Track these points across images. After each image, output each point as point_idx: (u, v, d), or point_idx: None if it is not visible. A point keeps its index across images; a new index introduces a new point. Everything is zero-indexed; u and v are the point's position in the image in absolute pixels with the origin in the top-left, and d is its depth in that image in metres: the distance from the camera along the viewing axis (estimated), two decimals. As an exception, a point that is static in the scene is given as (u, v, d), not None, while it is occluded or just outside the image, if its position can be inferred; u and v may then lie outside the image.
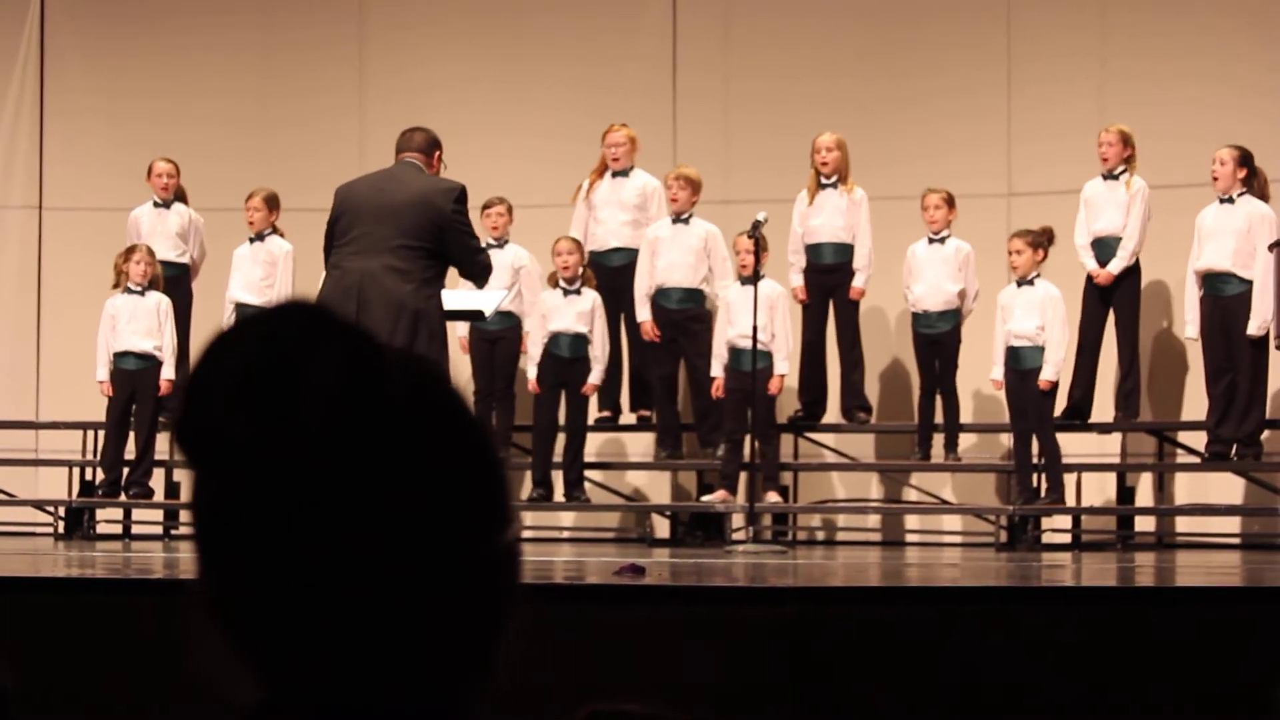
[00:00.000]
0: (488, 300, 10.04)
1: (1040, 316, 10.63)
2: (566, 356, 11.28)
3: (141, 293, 11.57)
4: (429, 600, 1.27)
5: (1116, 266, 10.82)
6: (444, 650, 1.28)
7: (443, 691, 1.29)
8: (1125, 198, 10.85)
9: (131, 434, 11.66)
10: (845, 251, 11.33)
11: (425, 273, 8.01)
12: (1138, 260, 10.87)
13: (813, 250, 11.36)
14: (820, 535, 12.00)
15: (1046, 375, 10.60)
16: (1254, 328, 10.36)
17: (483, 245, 8.47)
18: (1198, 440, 10.89)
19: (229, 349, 1.28)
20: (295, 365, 1.25)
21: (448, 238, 8.04)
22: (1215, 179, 10.56)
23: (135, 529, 12.03)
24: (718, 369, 11.10)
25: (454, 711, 1.29)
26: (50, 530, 12.02)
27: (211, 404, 1.26)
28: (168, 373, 11.58)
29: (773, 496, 11.13)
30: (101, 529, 11.91)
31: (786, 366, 11.00)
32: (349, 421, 1.25)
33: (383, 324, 7.76)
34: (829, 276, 11.34)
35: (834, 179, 11.31)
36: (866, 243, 11.28)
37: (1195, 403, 10.97)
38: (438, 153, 8.42)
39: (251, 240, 12.02)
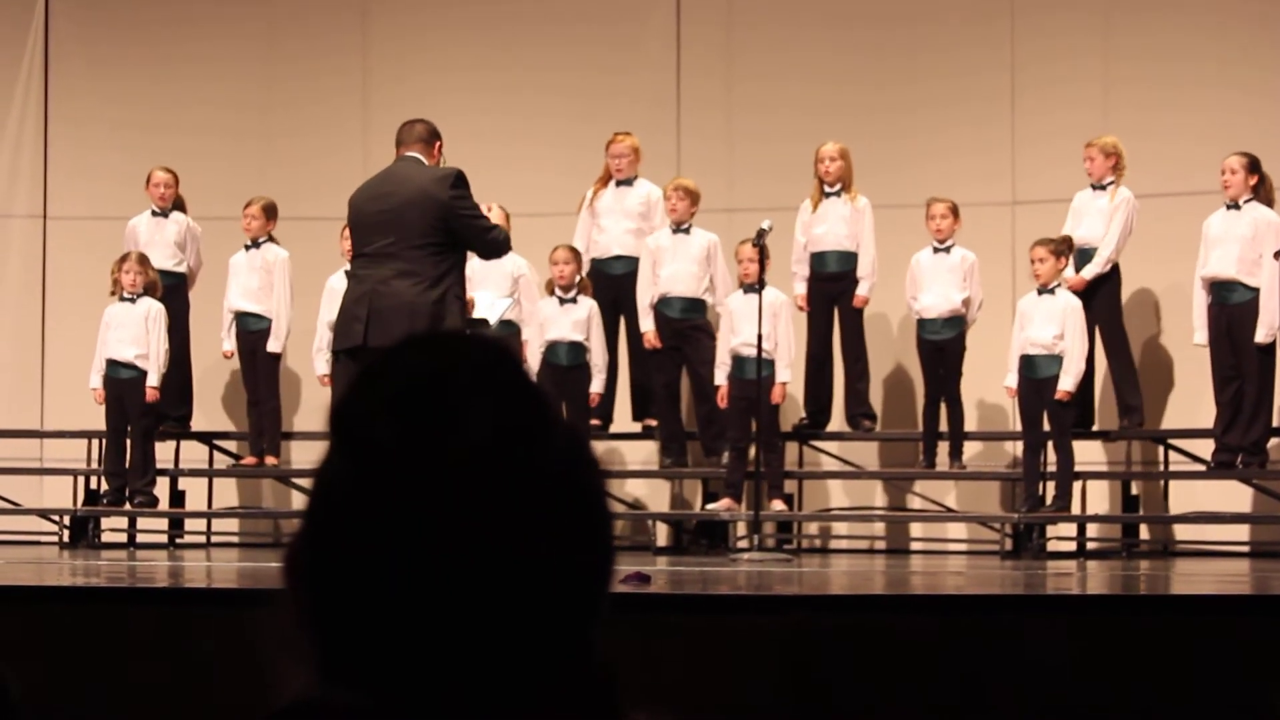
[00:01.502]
0: (492, 309, 10.04)
1: (1059, 326, 10.60)
2: (565, 365, 11.28)
3: (133, 300, 11.56)
4: (504, 639, 1.29)
5: (1089, 272, 10.82)
6: (508, 684, 1.30)
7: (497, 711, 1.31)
8: (1108, 207, 10.86)
9: (129, 443, 11.65)
10: (849, 260, 11.33)
11: (436, 270, 8.03)
12: (1116, 269, 10.88)
13: (817, 259, 11.36)
14: (824, 543, 11.99)
15: (1065, 386, 10.56)
16: (1262, 335, 10.35)
17: (491, 222, 8.42)
18: (1202, 448, 10.88)
19: (410, 357, 1.32)
20: (460, 401, 1.29)
21: (454, 225, 8.07)
22: (1226, 187, 10.55)
23: (140, 538, 12.02)
24: (721, 377, 11.10)
25: None
26: (55, 539, 12.01)
27: (371, 398, 1.30)
28: (151, 380, 11.55)
29: (777, 505, 11.12)
30: (106, 538, 11.90)
31: (789, 374, 10.99)
32: (488, 468, 1.28)
33: (398, 330, 7.76)
34: (833, 285, 11.34)
35: (837, 188, 11.32)
36: (870, 251, 11.27)
37: (1199, 410, 10.96)
38: (438, 143, 8.44)
39: (247, 247, 12.02)
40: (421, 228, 7.98)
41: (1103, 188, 10.91)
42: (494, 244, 8.34)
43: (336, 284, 10.88)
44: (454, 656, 1.28)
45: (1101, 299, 10.85)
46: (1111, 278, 10.88)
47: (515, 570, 1.28)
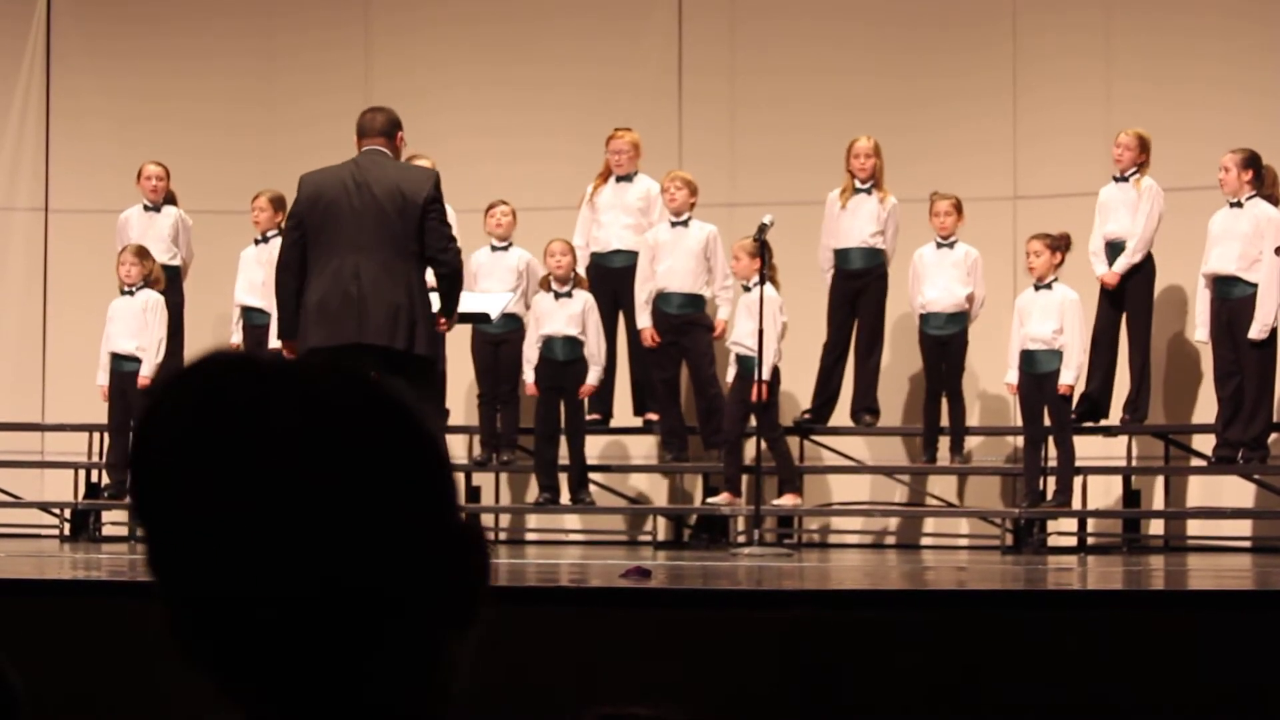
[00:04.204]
0: (493, 303, 10.01)
1: (1057, 320, 10.60)
2: (561, 359, 11.27)
3: (132, 293, 11.56)
4: (402, 597, 1.27)
5: (1120, 265, 10.79)
6: (421, 643, 1.29)
7: (422, 682, 1.29)
8: (1135, 199, 10.83)
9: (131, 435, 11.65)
10: (872, 257, 11.30)
11: (413, 271, 7.90)
12: (1150, 261, 10.83)
13: (840, 255, 11.35)
14: (825, 538, 11.99)
15: (1066, 380, 10.57)
16: (1255, 331, 10.35)
17: (454, 237, 8.14)
18: (1204, 443, 10.88)
19: (167, 409, 1.28)
20: (251, 411, 1.26)
21: (424, 225, 7.87)
22: (1222, 185, 10.55)
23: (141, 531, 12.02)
24: (730, 374, 11.12)
25: (433, 701, 1.30)
26: (56, 532, 12.02)
27: (157, 466, 1.27)
28: (144, 370, 11.53)
29: (789, 499, 11.15)
30: (107, 531, 11.91)
31: (766, 373, 10.92)
32: (300, 451, 1.26)
33: (384, 330, 7.71)
34: (854, 281, 11.32)
35: (869, 184, 11.29)
36: (893, 250, 11.29)
37: (1207, 406, 10.96)
38: (400, 134, 8.27)
39: (257, 242, 12.01)
40: (402, 228, 7.83)
41: (1125, 179, 10.88)
42: (452, 256, 7.99)
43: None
44: (349, 655, 1.26)
45: (1135, 293, 10.82)
46: (1145, 269, 10.83)
47: (372, 533, 1.26)
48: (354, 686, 1.27)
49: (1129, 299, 10.84)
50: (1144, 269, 10.85)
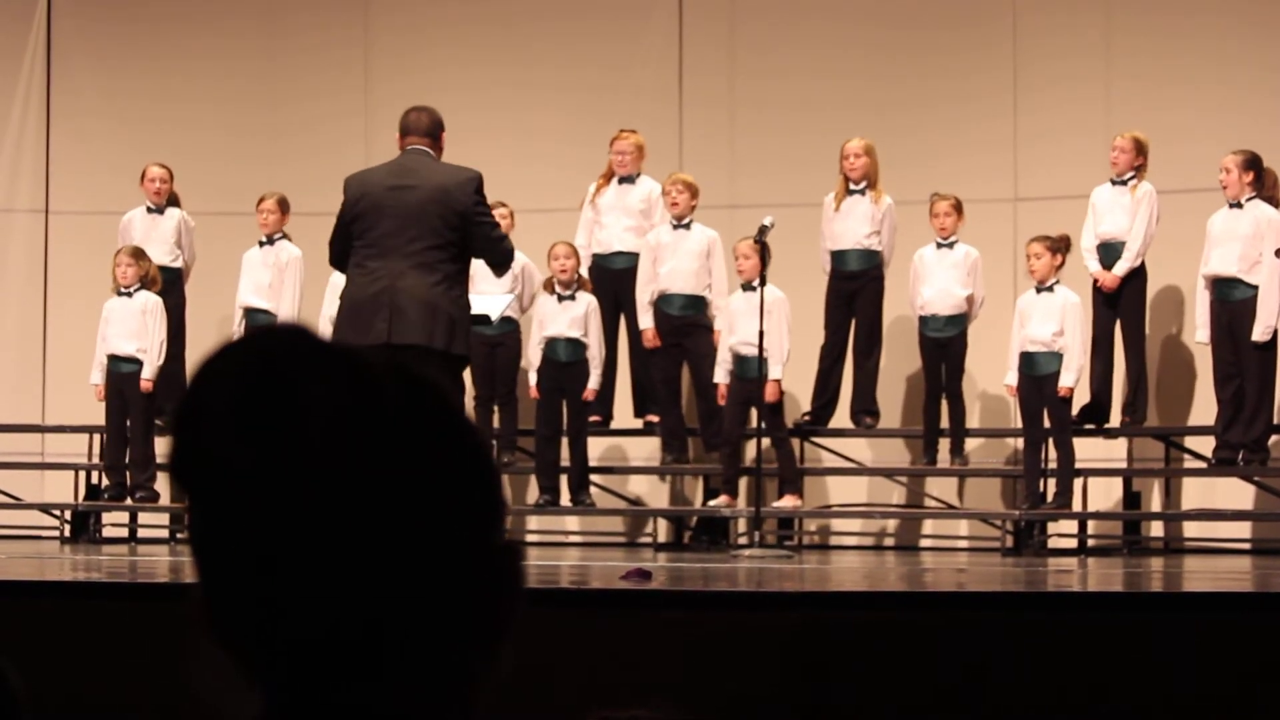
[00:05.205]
0: (493, 305, 9.99)
1: (1058, 322, 10.61)
2: (563, 361, 11.29)
3: (130, 294, 11.56)
4: (431, 604, 1.27)
5: (1121, 269, 10.80)
6: (446, 654, 1.28)
7: (444, 694, 1.29)
8: (1131, 202, 10.84)
9: (130, 437, 11.64)
10: (868, 259, 11.29)
11: (451, 269, 7.89)
12: (1143, 264, 10.84)
13: (836, 257, 11.34)
14: (825, 540, 11.99)
15: (1066, 382, 10.57)
16: (1258, 333, 10.35)
17: (504, 232, 8.32)
18: (1204, 445, 10.88)
19: (220, 377, 1.27)
20: (292, 388, 1.25)
21: (471, 231, 7.90)
22: (1224, 186, 10.55)
23: (141, 533, 12.03)
24: (721, 375, 11.10)
25: (455, 714, 1.29)
26: (56, 534, 12.02)
27: (207, 433, 1.25)
28: (146, 372, 11.52)
29: (790, 501, 11.15)
30: (107, 533, 11.91)
31: (780, 371, 10.94)
32: (349, 439, 1.25)
33: (419, 328, 7.69)
34: (851, 283, 11.32)
35: (862, 185, 11.28)
36: (890, 251, 11.28)
37: (1204, 408, 10.96)
38: (443, 134, 8.31)
39: (261, 244, 12.00)
40: (442, 228, 7.84)
41: (1123, 183, 10.88)
42: (506, 254, 8.25)
43: (340, 280, 10.84)
44: (383, 648, 1.25)
45: (1129, 296, 10.82)
46: (1139, 274, 10.84)
47: (413, 530, 1.25)
48: (363, 689, 1.26)
49: (1122, 302, 10.84)
50: (1136, 273, 10.85)
